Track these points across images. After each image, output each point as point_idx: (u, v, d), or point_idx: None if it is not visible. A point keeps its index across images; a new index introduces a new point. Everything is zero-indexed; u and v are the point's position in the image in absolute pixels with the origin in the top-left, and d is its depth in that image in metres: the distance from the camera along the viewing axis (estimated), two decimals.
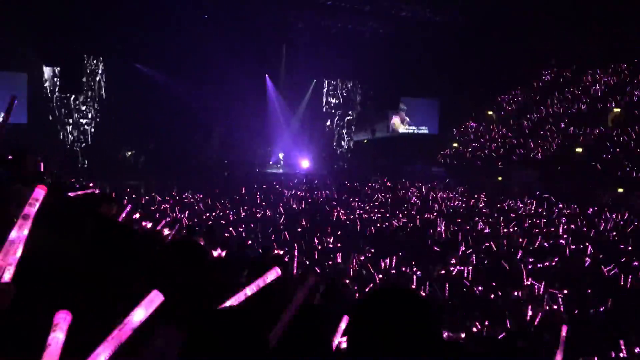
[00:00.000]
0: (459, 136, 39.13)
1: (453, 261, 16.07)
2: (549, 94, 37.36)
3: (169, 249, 3.48)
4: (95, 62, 33.91)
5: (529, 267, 15.32)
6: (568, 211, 24.19)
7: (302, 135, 38.43)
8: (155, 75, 32.77)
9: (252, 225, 22.05)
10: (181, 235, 10.18)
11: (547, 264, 15.85)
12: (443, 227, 20.84)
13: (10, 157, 6.26)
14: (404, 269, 15.64)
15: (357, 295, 12.11)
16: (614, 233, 20.05)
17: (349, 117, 40.18)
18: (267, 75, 37.51)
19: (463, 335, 9.95)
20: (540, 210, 24.96)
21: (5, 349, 2.00)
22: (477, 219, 23.11)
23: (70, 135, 33.57)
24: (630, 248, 17.51)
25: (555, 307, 12.07)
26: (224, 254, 7.63)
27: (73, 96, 33.51)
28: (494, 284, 13.78)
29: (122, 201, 15.97)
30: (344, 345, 3.26)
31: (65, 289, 2.44)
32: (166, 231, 8.31)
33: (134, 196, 25.25)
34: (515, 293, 13.14)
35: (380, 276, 14.78)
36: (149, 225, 11.14)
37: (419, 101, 41.55)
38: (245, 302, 2.45)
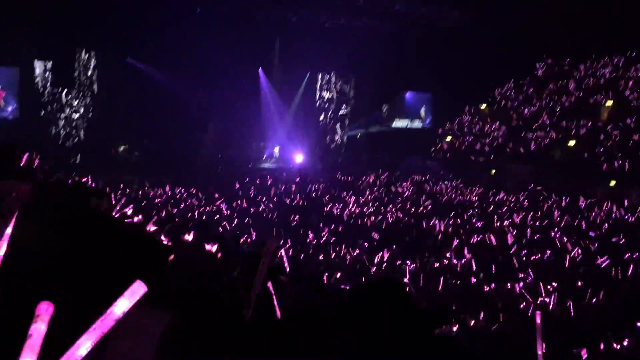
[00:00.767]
0: (453, 130, 39.15)
1: (447, 255, 16.10)
2: (543, 87, 37.41)
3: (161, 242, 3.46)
4: (87, 56, 33.70)
5: (523, 260, 15.37)
6: (562, 205, 24.28)
7: (295, 129, 38.37)
8: (148, 70, 32.64)
9: (247, 220, 22.03)
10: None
11: (540, 257, 15.91)
12: (437, 221, 20.87)
13: None
14: (398, 262, 15.65)
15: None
16: (606, 225, 20.15)
17: (342, 112, 40.13)
18: (260, 69, 37.40)
19: (455, 328, 9.96)
20: (533, 203, 25.04)
21: None
22: (471, 212, 23.17)
23: (62, 130, 33.39)
24: (623, 241, 17.58)
25: (548, 299, 12.10)
26: (214, 248, 7.59)
27: (65, 91, 33.30)
28: (487, 277, 13.82)
29: (115, 196, 15.91)
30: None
31: (49, 282, 2.43)
32: (152, 227, 8.26)
33: (127, 191, 25.16)
34: (509, 286, 13.18)
35: (374, 270, 14.79)
36: (141, 220, 11.08)
37: (412, 95, 41.57)
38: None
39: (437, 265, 15.33)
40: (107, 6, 29.16)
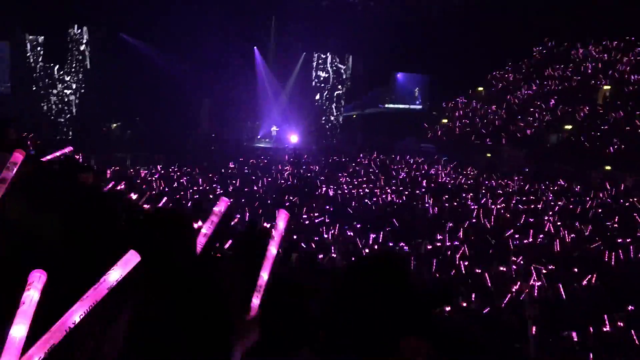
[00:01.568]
0: (449, 112, 39.04)
1: (440, 237, 16.10)
2: (540, 70, 37.27)
3: (153, 217, 3.40)
4: (79, 31, 33.21)
5: (516, 242, 15.39)
6: (555, 188, 24.30)
7: (291, 109, 38.15)
8: (141, 47, 32.24)
9: (242, 200, 21.94)
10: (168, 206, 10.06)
11: (533, 240, 15.93)
12: (431, 203, 20.86)
13: None
14: (391, 244, 15.64)
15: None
16: (600, 210, 20.18)
17: (338, 92, 39.90)
18: (255, 48, 37.03)
19: (448, 308, 9.96)
20: (528, 187, 25.05)
21: None
22: (465, 195, 23.16)
23: (54, 106, 33.04)
24: (616, 225, 17.62)
25: (540, 282, 12.12)
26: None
27: (57, 66, 32.89)
28: (480, 259, 13.82)
29: (105, 172, 15.77)
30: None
31: (41, 251, 2.42)
32: (146, 206, 8.17)
33: (117, 168, 25.00)
34: (501, 268, 13.19)
35: (367, 251, 14.78)
36: (134, 197, 10.98)
37: (409, 76, 41.37)
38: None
39: (429, 247, 15.33)
40: None
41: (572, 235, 16.31)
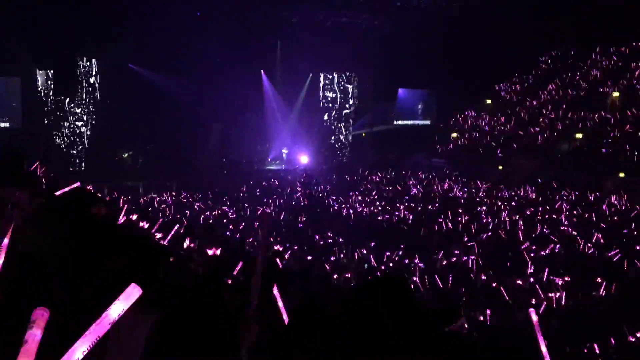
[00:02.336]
0: (458, 126, 38.98)
1: (456, 252, 15.96)
2: (548, 80, 37.19)
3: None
4: (88, 64, 33.74)
5: (532, 255, 15.21)
6: (570, 198, 24.07)
7: (300, 130, 38.33)
8: (150, 75, 32.64)
9: (256, 224, 21.94)
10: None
11: (550, 251, 15.75)
12: (445, 218, 20.74)
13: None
14: (406, 261, 15.54)
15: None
16: (616, 218, 19.93)
17: (346, 111, 40.06)
18: (262, 71, 37.38)
19: (466, 325, 9.84)
20: (541, 197, 24.84)
21: None
22: (478, 208, 23.01)
23: (66, 139, 33.45)
24: (635, 233, 17.36)
25: (558, 294, 11.95)
26: (218, 252, 7.55)
27: (67, 99, 33.35)
28: (496, 273, 13.67)
29: (119, 202, 15.85)
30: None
31: (45, 288, 2.44)
32: (158, 235, 8.20)
33: (129, 197, 25.16)
34: (519, 282, 13.03)
35: (383, 268, 14.69)
36: (146, 226, 11.02)
37: (410, 92, 41.41)
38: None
39: (445, 262, 15.20)
40: (107, 13, 29.19)
41: (589, 245, 16.10)
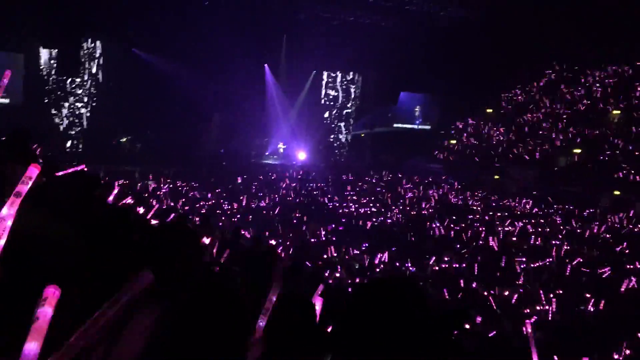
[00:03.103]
0: (458, 133, 39.04)
1: (447, 258, 15.99)
2: (549, 93, 37.28)
3: (160, 231, 3.43)
4: (93, 45, 33.60)
5: (523, 266, 15.26)
6: (564, 212, 24.16)
7: (299, 126, 38.30)
8: (154, 61, 32.53)
9: (250, 217, 21.95)
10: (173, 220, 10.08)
11: (542, 263, 15.80)
12: (438, 224, 20.77)
13: (4, 137, 6.22)
14: (397, 264, 15.56)
15: (349, 288, 12.01)
16: (609, 235, 20.01)
17: (347, 110, 40.05)
18: (266, 65, 37.32)
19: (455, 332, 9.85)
20: (536, 210, 24.92)
21: None
22: (472, 216, 23.06)
23: (65, 119, 33.33)
24: (626, 251, 17.44)
25: (548, 307, 12.00)
26: (208, 240, 7.55)
27: (70, 79, 33.23)
28: (488, 282, 13.71)
29: (113, 186, 15.79)
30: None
31: (54, 268, 2.44)
32: (154, 221, 8.20)
33: (126, 182, 25.09)
34: (509, 292, 13.07)
35: (376, 270, 14.71)
36: (142, 211, 10.99)
37: (409, 95, 41.43)
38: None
39: (436, 268, 15.23)
40: None
41: (581, 260, 16.16)
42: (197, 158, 32.30)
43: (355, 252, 16.83)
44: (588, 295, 12.77)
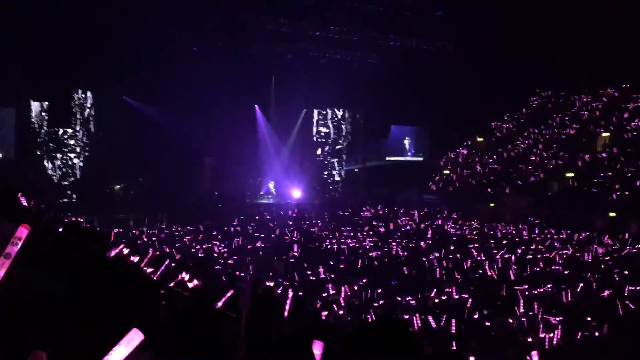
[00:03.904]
0: (450, 163, 39.28)
1: (447, 289, 15.86)
2: (538, 120, 37.71)
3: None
4: (83, 95, 33.89)
5: (525, 293, 15.15)
6: (561, 237, 24.14)
7: (292, 165, 38.46)
8: (144, 108, 32.81)
9: (248, 259, 21.75)
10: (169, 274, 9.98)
11: (542, 290, 15.70)
12: (437, 255, 20.68)
13: None
14: (398, 298, 15.41)
15: (350, 326, 11.87)
16: (608, 258, 19.96)
17: (339, 146, 40.31)
18: (256, 106, 37.68)
19: None
20: (533, 236, 24.90)
21: None
22: (470, 246, 22.99)
23: (58, 170, 33.35)
24: (625, 273, 17.37)
25: (551, 334, 11.87)
26: (198, 283, 7.51)
27: (61, 130, 33.39)
28: (489, 312, 13.58)
29: (109, 235, 15.74)
30: None
31: (44, 326, 2.40)
32: (149, 270, 8.13)
33: (121, 230, 24.97)
34: (511, 320, 12.94)
35: (375, 305, 14.55)
36: (136, 260, 10.91)
37: (398, 128, 41.78)
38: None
39: (437, 300, 15.09)
40: (103, 46, 29.42)
41: (581, 284, 16.07)
42: (191, 202, 32.26)
43: (355, 287, 16.66)
44: (590, 320, 12.66)
